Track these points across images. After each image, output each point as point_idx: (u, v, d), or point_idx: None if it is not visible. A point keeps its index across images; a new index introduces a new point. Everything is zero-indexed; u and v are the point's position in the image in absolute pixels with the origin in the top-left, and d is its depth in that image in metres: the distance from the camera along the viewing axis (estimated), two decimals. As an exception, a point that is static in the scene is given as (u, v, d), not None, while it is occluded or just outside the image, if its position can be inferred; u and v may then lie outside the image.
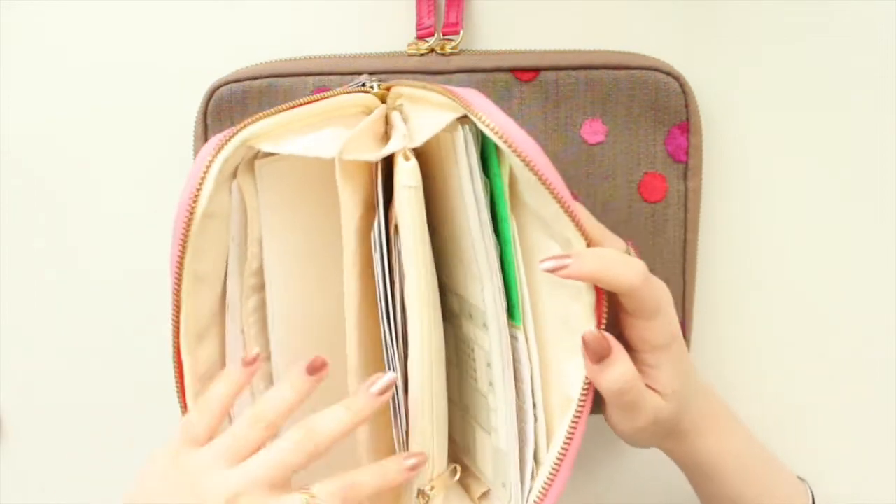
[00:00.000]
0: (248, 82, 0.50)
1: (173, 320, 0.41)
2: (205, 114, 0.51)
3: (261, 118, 0.40)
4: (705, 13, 0.53)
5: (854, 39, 0.53)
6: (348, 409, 0.40)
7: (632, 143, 0.51)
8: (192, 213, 0.39)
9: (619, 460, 0.60)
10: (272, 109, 0.41)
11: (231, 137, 0.39)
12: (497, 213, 0.43)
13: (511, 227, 0.43)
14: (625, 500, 0.60)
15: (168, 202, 0.55)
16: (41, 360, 0.59)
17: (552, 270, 0.40)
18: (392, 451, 0.46)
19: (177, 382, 0.43)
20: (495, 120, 0.39)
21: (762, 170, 0.55)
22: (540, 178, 0.39)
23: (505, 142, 0.39)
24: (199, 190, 0.39)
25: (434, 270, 0.44)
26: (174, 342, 0.41)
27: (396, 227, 0.42)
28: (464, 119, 0.41)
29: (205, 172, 0.39)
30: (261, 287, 0.45)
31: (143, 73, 0.54)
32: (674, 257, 0.53)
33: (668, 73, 0.50)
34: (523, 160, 0.39)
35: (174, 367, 0.42)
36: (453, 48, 0.50)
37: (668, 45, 0.52)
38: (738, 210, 0.55)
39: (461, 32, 0.51)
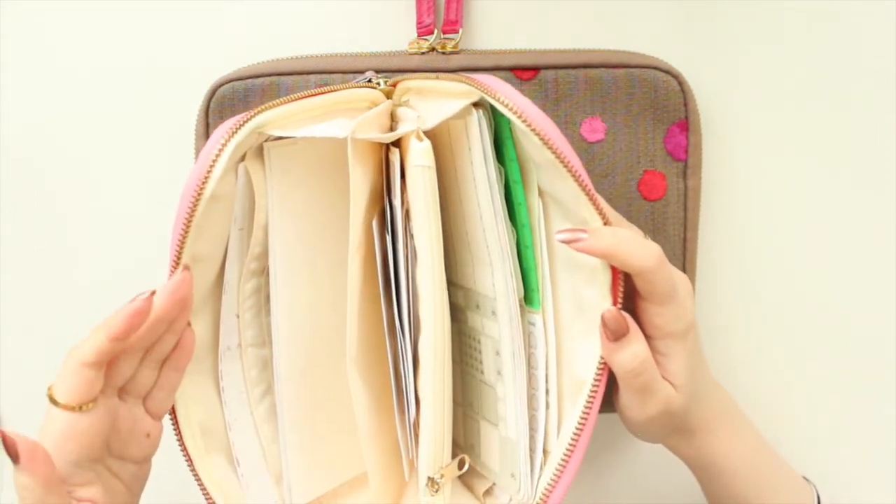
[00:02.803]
0: (249, 80, 0.50)
1: None
2: (206, 112, 0.51)
3: (273, 106, 0.40)
4: (705, 12, 0.53)
5: (853, 38, 0.53)
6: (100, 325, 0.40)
7: (631, 142, 0.51)
8: (199, 196, 0.39)
9: (628, 459, 0.60)
10: (283, 99, 0.41)
11: (245, 122, 0.40)
12: (512, 198, 0.43)
13: (532, 211, 0.43)
14: (633, 500, 0.60)
15: (169, 201, 0.55)
16: (41, 360, 0.59)
17: (567, 242, 0.40)
18: (393, 437, 0.46)
19: None
20: (513, 99, 0.39)
21: (761, 168, 0.55)
22: (558, 157, 0.39)
23: (523, 120, 0.39)
24: (209, 172, 0.39)
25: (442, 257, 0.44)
26: None
27: (408, 212, 0.42)
28: (476, 106, 0.41)
29: (217, 155, 0.39)
30: (260, 271, 0.45)
31: (144, 72, 0.54)
32: (674, 255, 0.53)
33: (666, 72, 0.51)
34: (542, 138, 0.39)
35: None
36: (453, 47, 0.51)
37: (667, 44, 0.53)
38: (737, 208, 0.56)
39: (460, 31, 0.51)
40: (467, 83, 0.41)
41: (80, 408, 0.39)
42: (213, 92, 0.50)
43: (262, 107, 0.40)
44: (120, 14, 0.54)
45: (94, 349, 0.39)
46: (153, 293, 0.40)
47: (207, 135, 0.51)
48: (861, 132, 0.55)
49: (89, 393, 0.39)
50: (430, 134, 0.43)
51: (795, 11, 0.53)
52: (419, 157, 0.41)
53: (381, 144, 0.44)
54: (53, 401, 0.39)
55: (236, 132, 0.39)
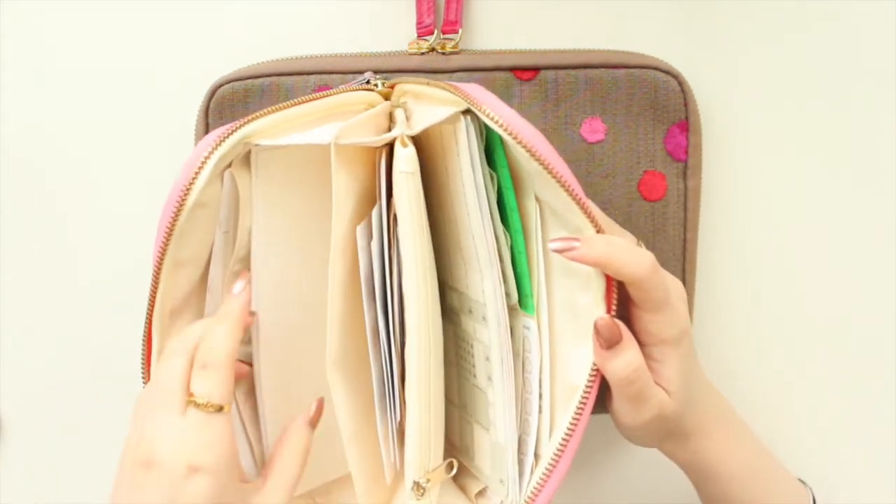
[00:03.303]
0: (249, 81, 0.50)
1: (149, 299, 0.41)
2: (206, 112, 0.51)
3: (261, 115, 0.40)
4: (705, 12, 0.53)
5: (854, 39, 0.53)
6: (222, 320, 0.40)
7: (631, 142, 0.51)
8: (181, 206, 0.39)
9: (622, 461, 0.60)
10: (274, 107, 0.41)
11: (230, 134, 0.40)
12: (505, 203, 0.43)
13: (528, 217, 0.43)
14: (628, 501, 0.60)
15: (169, 201, 0.55)
16: (41, 360, 0.59)
17: (560, 251, 0.40)
18: (376, 439, 0.46)
19: (143, 357, 0.43)
20: (498, 112, 0.39)
21: (761, 168, 0.55)
22: (545, 167, 0.39)
23: (509, 133, 0.39)
24: (191, 184, 0.39)
25: (434, 264, 0.44)
26: (147, 318, 0.42)
27: (395, 217, 0.42)
28: (466, 113, 0.41)
29: (200, 167, 0.39)
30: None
31: (144, 73, 0.54)
32: (674, 256, 0.53)
33: (667, 72, 0.50)
34: (528, 150, 0.39)
35: (143, 341, 0.42)
36: (453, 47, 0.51)
37: (667, 45, 0.53)
38: (737, 208, 0.55)
39: (460, 31, 0.51)
40: (453, 93, 0.40)
41: (224, 408, 0.38)
42: (212, 92, 0.51)
43: (249, 117, 0.40)
44: (120, 14, 0.54)
45: (235, 342, 0.39)
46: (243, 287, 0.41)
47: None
48: (861, 132, 0.54)
49: (233, 390, 0.39)
50: (425, 137, 0.43)
51: (795, 11, 0.53)
52: (403, 163, 0.41)
53: (375, 148, 0.44)
54: (206, 406, 0.38)
55: (220, 145, 0.39)
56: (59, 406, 0.60)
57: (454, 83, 0.42)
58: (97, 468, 0.60)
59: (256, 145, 0.42)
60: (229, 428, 0.38)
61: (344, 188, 0.42)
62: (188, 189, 0.39)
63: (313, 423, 0.43)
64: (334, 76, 0.50)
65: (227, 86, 0.50)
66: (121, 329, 0.58)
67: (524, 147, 0.39)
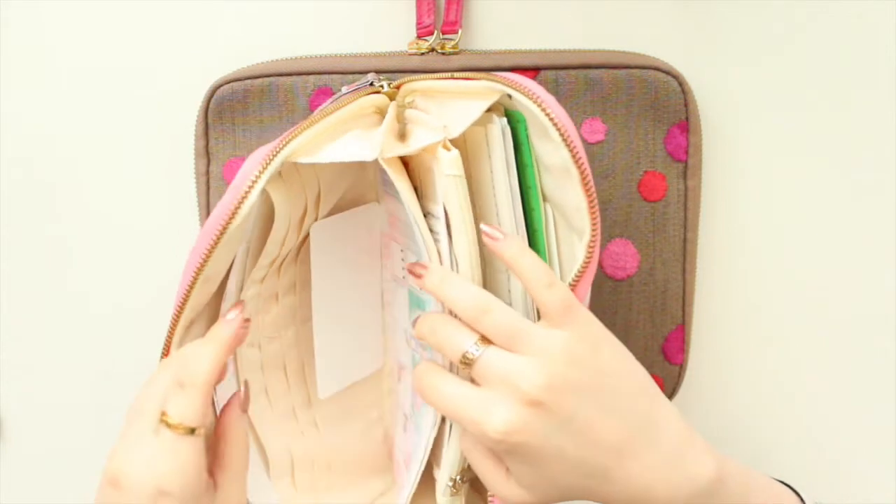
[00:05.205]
0: (248, 81, 0.50)
1: (173, 316, 0.41)
2: (206, 112, 0.51)
3: (295, 136, 0.40)
4: (705, 13, 0.53)
5: (854, 39, 0.53)
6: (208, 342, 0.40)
7: (631, 143, 0.51)
8: (225, 227, 0.39)
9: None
10: (302, 125, 0.41)
11: (273, 157, 0.39)
12: (527, 204, 0.43)
13: (543, 217, 0.43)
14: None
15: (169, 202, 0.56)
16: (41, 360, 0.59)
17: (487, 235, 0.40)
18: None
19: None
20: (538, 93, 0.39)
21: (761, 169, 0.55)
22: (574, 156, 0.39)
23: (547, 115, 0.39)
24: (237, 208, 0.39)
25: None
26: (168, 334, 0.42)
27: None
28: (493, 110, 0.41)
29: (247, 191, 0.39)
30: (261, 280, 0.45)
31: (144, 72, 0.54)
32: (674, 256, 0.53)
33: (667, 73, 0.50)
34: (562, 135, 0.39)
35: (162, 353, 0.42)
36: (453, 47, 0.51)
37: (667, 45, 0.53)
38: (737, 208, 0.56)
39: (460, 31, 0.51)
40: (489, 79, 0.40)
41: (196, 431, 0.37)
42: (212, 92, 0.51)
43: (286, 137, 0.40)
44: (120, 14, 0.54)
45: (217, 366, 0.38)
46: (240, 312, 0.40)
47: (207, 135, 0.51)
48: (862, 132, 0.54)
49: (208, 414, 0.38)
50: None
51: (796, 12, 0.53)
52: (450, 166, 0.40)
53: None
54: (177, 427, 0.37)
55: (265, 169, 0.39)
56: (59, 406, 0.60)
57: (497, 73, 0.41)
58: (97, 468, 0.60)
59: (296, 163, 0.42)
60: (200, 452, 0.38)
61: (409, 192, 0.42)
62: (234, 213, 0.39)
63: (244, 408, 0.41)
64: (334, 76, 0.50)
65: (226, 86, 0.51)
66: (121, 329, 0.58)
67: (559, 131, 0.39)
